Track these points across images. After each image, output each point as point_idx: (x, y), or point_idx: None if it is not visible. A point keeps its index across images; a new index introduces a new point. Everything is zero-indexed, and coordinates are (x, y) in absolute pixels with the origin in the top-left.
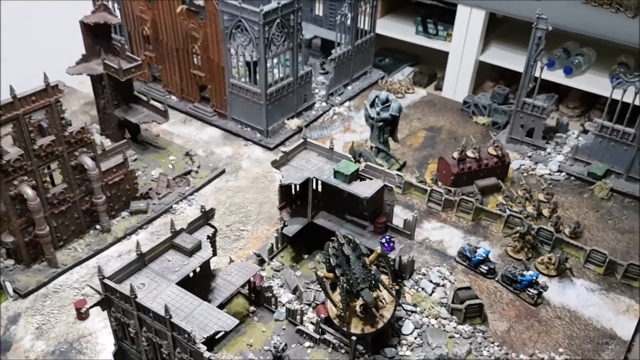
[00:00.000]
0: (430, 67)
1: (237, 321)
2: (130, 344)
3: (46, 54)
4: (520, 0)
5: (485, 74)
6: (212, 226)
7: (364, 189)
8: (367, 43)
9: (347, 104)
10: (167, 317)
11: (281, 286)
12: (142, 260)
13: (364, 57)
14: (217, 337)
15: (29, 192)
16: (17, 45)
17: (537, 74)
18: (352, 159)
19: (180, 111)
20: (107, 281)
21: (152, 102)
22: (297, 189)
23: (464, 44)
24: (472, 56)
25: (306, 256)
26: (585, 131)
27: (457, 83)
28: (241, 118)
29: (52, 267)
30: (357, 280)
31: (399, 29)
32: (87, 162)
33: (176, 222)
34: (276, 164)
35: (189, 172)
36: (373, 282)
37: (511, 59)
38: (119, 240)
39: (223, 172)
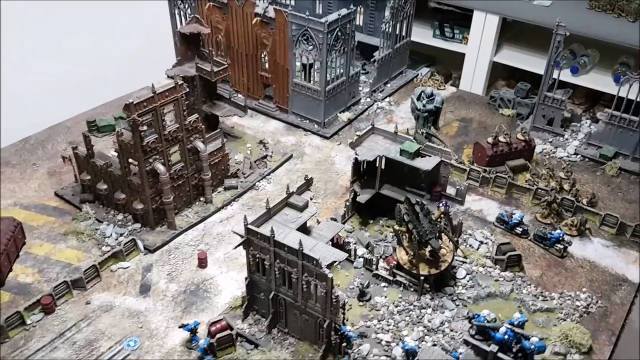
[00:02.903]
0: (446, 67)
1: (346, 254)
2: (261, 275)
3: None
4: (531, 3)
5: (497, 72)
6: (311, 191)
7: (425, 164)
8: (403, 47)
9: (387, 99)
10: (300, 249)
11: (355, 243)
12: (269, 214)
13: (401, 59)
14: (335, 264)
15: (161, 167)
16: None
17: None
18: (413, 140)
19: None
20: (250, 226)
21: (232, 98)
22: (365, 166)
23: (479, 46)
24: (487, 57)
25: (371, 221)
26: (596, 120)
27: (472, 81)
28: (301, 112)
29: (172, 229)
30: (426, 232)
31: (417, 33)
32: (200, 145)
33: (259, 197)
34: (352, 145)
35: (265, 157)
36: (438, 233)
37: (522, 59)
38: (219, 209)
39: (291, 157)
